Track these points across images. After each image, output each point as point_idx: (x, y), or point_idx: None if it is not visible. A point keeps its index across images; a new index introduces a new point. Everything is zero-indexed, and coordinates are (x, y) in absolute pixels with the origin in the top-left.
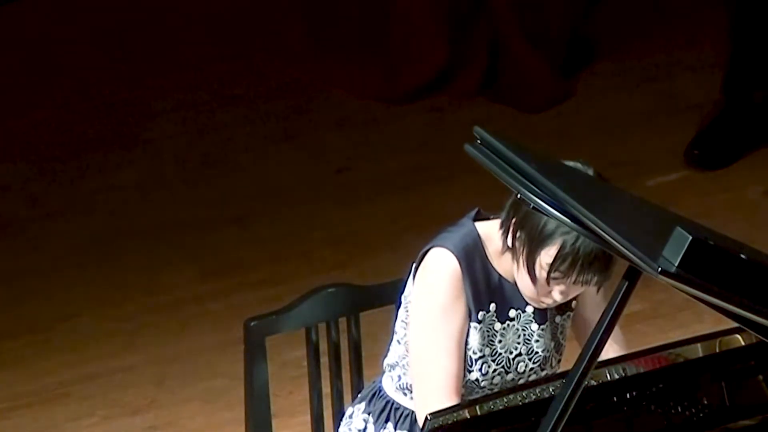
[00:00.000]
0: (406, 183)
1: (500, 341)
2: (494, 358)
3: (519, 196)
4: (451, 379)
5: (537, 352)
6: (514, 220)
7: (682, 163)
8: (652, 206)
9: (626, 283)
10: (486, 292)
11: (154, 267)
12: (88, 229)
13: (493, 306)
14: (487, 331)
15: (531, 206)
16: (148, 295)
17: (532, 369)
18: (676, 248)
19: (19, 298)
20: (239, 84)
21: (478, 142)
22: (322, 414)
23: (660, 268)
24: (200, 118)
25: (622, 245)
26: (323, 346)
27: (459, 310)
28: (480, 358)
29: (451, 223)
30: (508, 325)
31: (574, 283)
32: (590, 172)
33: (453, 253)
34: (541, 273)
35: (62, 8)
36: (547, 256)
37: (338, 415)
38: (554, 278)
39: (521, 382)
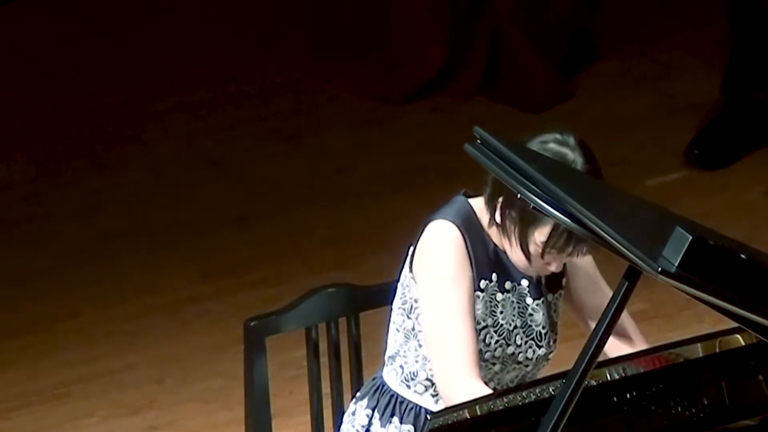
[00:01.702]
0: (406, 183)
1: (501, 312)
2: (496, 329)
3: (519, 195)
4: (469, 346)
5: (531, 326)
6: (501, 199)
7: (682, 163)
8: (652, 206)
9: (626, 283)
10: (486, 262)
11: (154, 267)
12: (88, 229)
13: (494, 275)
14: (490, 300)
15: (531, 206)
16: (148, 295)
17: (528, 343)
18: (676, 248)
19: (19, 298)
20: (239, 84)
21: (478, 142)
22: (322, 414)
23: (660, 268)
24: (200, 118)
25: (622, 245)
26: (323, 346)
27: (466, 276)
28: (483, 328)
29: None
30: (507, 297)
31: (569, 255)
32: (571, 140)
33: (453, 222)
34: (536, 250)
35: (62, 8)
36: (540, 235)
37: (338, 415)
38: (549, 253)
39: (520, 356)
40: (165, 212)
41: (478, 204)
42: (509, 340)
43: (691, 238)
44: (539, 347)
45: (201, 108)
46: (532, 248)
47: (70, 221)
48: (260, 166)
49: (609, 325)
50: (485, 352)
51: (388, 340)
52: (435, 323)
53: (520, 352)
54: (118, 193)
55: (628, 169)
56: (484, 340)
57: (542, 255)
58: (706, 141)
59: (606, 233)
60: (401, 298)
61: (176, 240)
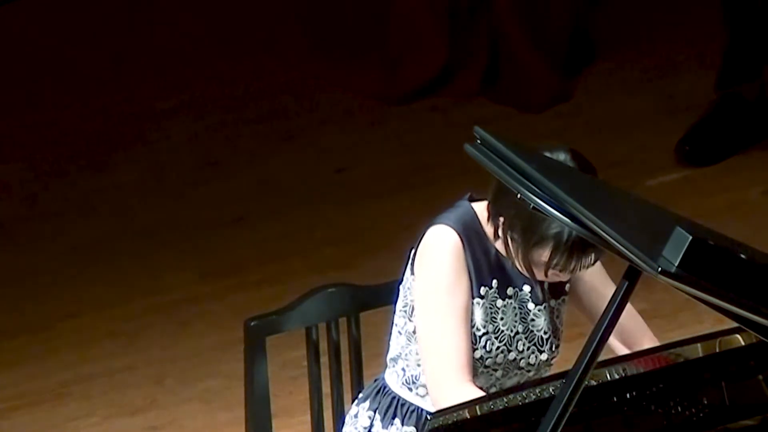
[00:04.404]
0: (406, 183)
1: (502, 318)
2: (497, 335)
3: (519, 196)
4: (462, 354)
5: (533, 332)
6: (502, 220)
7: (674, 159)
8: (652, 206)
9: (626, 283)
10: (487, 268)
11: (154, 267)
12: (88, 229)
13: (495, 282)
14: (490, 307)
15: (531, 206)
16: (148, 295)
17: (530, 349)
18: (676, 248)
19: (19, 298)
20: (239, 84)
21: (478, 142)
22: (322, 414)
23: (660, 268)
24: (200, 118)
25: (622, 245)
26: (323, 346)
27: (463, 284)
28: (484, 334)
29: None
30: (508, 302)
31: (572, 270)
32: (562, 155)
33: (453, 228)
34: (540, 269)
35: (62, 8)
36: (542, 256)
37: (339, 415)
38: (553, 271)
39: (522, 362)
40: (165, 212)
41: (481, 209)
42: (510, 346)
43: (691, 238)
44: (541, 352)
45: (201, 108)
46: (535, 269)
47: (70, 221)
48: (260, 166)
49: (609, 325)
50: (486, 359)
51: (390, 342)
52: (428, 329)
53: (521, 358)
54: (118, 193)
55: (628, 169)
56: (485, 346)
57: (545, 273)
58: (697, 138)
59: (606, 233)
60: (403, 300)
61: (176, 240)
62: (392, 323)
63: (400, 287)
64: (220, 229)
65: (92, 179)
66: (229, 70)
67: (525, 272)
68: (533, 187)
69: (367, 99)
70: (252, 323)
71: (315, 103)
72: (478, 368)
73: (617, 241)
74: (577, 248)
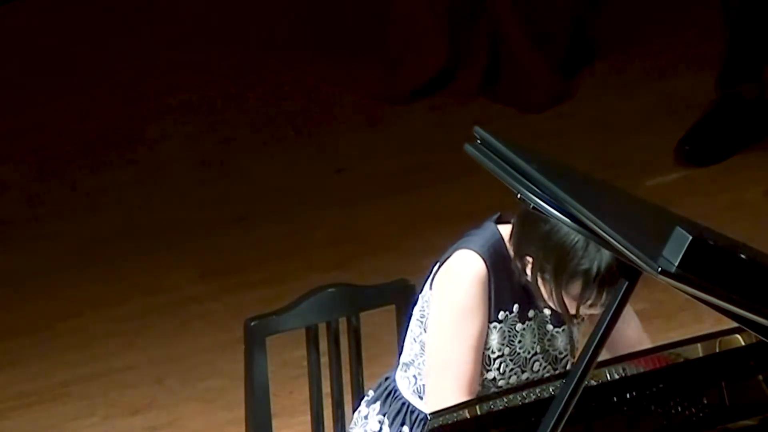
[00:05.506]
0: (407, 183)
1: (520, 341)
2: (513, 357)
3: (519, 195)
4: (465, 380)
5: (549, 352)
6: (531, 263)
7: (674, 159)
8: (652, 206)
9: (626, 283)
10: (510, 294)
11: (154, 267)
12: (88, 229)
13: (516, 307)
14: (508, 331)
15: (531, 206)
16: (148, 295)
17: (546, 368)
18: (676, 248)
19: (19, 298)
20: (239, 84)
21: (478, 142)
22: (322, 414)
23: (660, 268)
24: (201, 118)
25: (622, 245)
26: (323, 346)
27: (480, 313)
28: (499, 357)
29: (474, 225)
30: (528, 325)
31: (603, 305)
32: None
33: (480, 254)
34: (573, 305)
35: (62, 8)
36: (573, 293)
37: (338, 415)
38: (585, 306)
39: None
40: (165, 212)
41: (508, 232)
42: (525, 367)
43: (691, 238)
44: (555, 370)
45: (201, 108)
46: (569, 306)
47: (70, 221)
48: (260, 166)
49: (609, 325)
50: (499, 380)
51: (405, 345)
52: (436, 349)
53: (535, 377)
54: (118, 193)
55: (627, 170)
56: (499, 368)
57: (578, 310)
58: (697, 138)
59: (606, 233)
60: (420, 311)
61: (176, 240)
62: (407, 327)
63: (419, 296)
64: (220, 229)
65: (92, 179)
66: (229, 70)
67: (559, 309)
68: (533, 187)
69: (367, 99)
70: (252, 323)
71: (315, 103)
72: (490, 388)
73: (617, 241)
74: (606, 282)
